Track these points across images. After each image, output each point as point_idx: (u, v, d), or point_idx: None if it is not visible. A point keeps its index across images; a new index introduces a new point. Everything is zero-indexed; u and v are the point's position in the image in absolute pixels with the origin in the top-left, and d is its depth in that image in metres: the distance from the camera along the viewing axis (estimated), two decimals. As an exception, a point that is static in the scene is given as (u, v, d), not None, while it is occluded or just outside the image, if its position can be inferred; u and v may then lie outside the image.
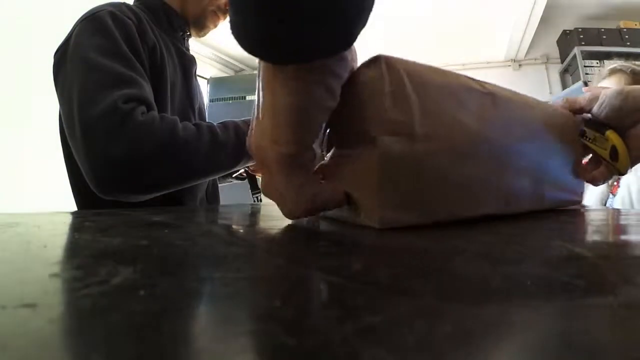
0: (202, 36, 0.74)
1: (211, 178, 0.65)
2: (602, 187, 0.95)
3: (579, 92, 0.81)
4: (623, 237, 0.27)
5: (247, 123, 0.58)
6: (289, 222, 0.29)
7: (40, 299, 0.11)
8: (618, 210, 0.63)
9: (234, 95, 2.90)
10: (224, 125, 0.57)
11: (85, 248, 0.19)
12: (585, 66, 2.57)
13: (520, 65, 3.11)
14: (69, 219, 0.34)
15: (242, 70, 3.48)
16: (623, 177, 0.90)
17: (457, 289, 0.12)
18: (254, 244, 0.22)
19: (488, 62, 3.13)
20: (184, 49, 0.71)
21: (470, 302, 0.11)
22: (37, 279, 0.13)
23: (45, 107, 1.17)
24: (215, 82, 3.01)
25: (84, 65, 0.50)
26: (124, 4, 0.60)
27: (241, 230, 0.28)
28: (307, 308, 0.10)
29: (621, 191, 0.89)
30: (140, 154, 0.46)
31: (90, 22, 0.54)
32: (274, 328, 0.09)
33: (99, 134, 0.46)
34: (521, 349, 0.08)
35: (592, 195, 0.96)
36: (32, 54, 1.64)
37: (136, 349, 0.07)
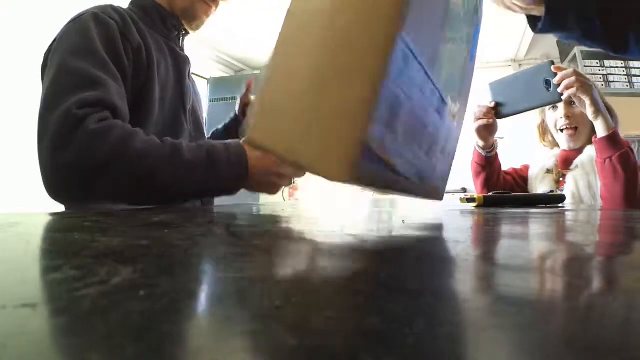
0: (197, 28, 0.72)
1: (182, 197, 0.56)
2: (547, 185, 0.95)
3: (547, 69, 0.81)
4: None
5: (225, 144, 0.53)
6: (288, 222, 0.29)
7: (40, 299, 0.10)
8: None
9: (234, 95, 2.89)
10: (198, 145, 0.52)
11: (85, 248, 0.19)
12: (585, 66, 2.56)
13: (520, 65, 3.11)
14: (68, 219, 0.34)
15: (242, 70, 3.47)
16: (569, 173, 0.90)
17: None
18: (254, 244, 0.22)
19: (488, 62, 3.12)
20: (178, 49, 0.70)
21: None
22: (37, 279, 0.13)
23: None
24: (215, 82, 3.01)
25: (56, 67, 0.51)
26: (111, 6, 0.60)
27: (241, 230, 0.28)
28: (307, 308, 0.10)
29: (569, 187, 0.89)
30: (88, 162, 0.45)
31: (74, 24, 0.55)
32: (274, 328, 0.09)
33: (48, 141, 0.46)
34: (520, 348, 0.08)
35: (536, 192, 0.96)
36: (32, 53, 1.64)
37: (136, 349, 0.07)
